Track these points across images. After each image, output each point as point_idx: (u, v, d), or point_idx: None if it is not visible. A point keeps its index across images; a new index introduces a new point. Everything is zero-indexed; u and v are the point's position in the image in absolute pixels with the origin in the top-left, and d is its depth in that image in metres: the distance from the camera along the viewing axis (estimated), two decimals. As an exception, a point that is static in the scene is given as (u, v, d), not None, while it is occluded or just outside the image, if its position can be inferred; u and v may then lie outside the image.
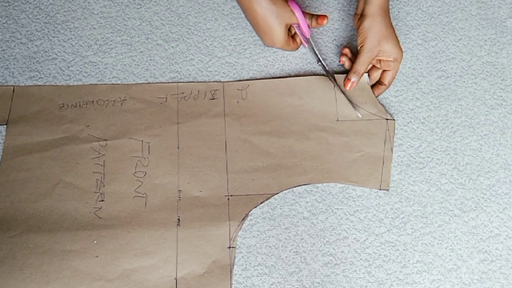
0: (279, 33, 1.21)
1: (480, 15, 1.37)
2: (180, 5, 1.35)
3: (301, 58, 1.30)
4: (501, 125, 1.24)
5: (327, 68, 1.26)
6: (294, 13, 1.21)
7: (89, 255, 1.08)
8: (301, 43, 1.28)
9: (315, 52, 1.26)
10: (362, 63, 1.20)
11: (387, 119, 1.22)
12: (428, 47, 1.33)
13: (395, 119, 1.23)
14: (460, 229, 1.14)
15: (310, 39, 1.26)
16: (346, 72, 1.25)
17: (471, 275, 1.10)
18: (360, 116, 1.22)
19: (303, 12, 1.23)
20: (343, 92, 1.23)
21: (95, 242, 1.09)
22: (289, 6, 1.21)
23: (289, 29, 1.27)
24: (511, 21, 1.36)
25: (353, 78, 1.21)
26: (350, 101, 1.23)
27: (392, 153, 1.20)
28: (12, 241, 1.09)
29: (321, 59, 1.26)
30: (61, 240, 1.09)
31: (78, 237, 1.09)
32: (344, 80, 1.23)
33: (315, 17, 1.25)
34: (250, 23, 1.25)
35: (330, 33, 1.34)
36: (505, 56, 1.32)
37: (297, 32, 1.25)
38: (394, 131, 1.22)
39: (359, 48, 1.21)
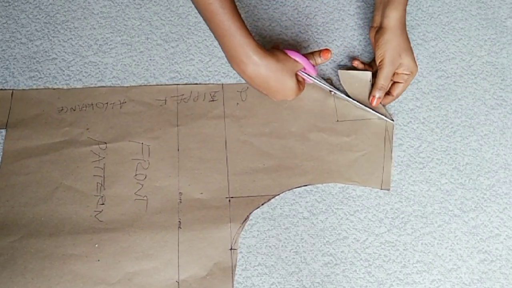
0: (291, 86, 1.15)
1: (480, 15, 1.37)
2: (180, 5, 1.35)
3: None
4: (501, 125, 1.24)
5: (342, 94, 1.24)
6: (296, 61, 1.16)
7: (91, 259, 1.08)
8: (304, 80, 1.23)
9: (324, 85, 1.23)
10: (386, 77, 1.20)
11: (385, 120, 1.22)
12: (428, 47, 1.33)
13: (395, 119, 1.23)
14: (460, 229, 1.14)
15: (318, 75, 1.23)
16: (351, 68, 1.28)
17: (471, 275, 1.10)
18: (393, 122, 1.24)
19: (304, 55, 1.19)
20: (367, 106, 1.23)
21: (96, 245, 1.09)
22: (288, 55, 1.16)
23: None
24: (511, 21, 1.36)
25: (378, 94, 1.20)
26: (380, 113, 1.23)
27: (392, 153, 1.20)
28: (13, 246, 1.08)
29: (332, 89, 1.24)
30: (62, 244, 1.09)
31: (79, 241, 1.09)
32: (369, 98, 1.22)
33: (317, 53, 1.21)
34: (258, 89, 1.15)
35: (330, 33, 1.34)
36: (505, 56, 1.32)
37: (300, 74, 1.20)
38: (392, 132, 1.22)
39: (378, 61, 1.20)
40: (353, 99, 1.23)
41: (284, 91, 1.15)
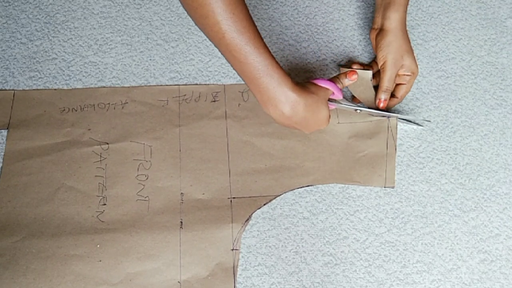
0: (326, 115, 1.11)
1: (480, 15, 1.37)
2: (180, 5, 1.35)
3: (301, 58, 1.30)
4: (501, 125, 1.24)
5: (366, 108, 1.23)
6: (326, 88, 1.12)
7: (92, 259, 1.08)
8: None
9: (349, 106, 1.21)
10: (390, 79, 1.20)
11: (388, 117, 1.22)
12: (428, 47, 1.33)
13: (395, 119, 1.23)
14: (460, 229, 1.14)
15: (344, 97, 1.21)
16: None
17: (471, 275, 1.10)
18: (422, 126, 1.24)
19: (331, 81, 1.15)
20: (379, 109, 1.23)
21: (98, 246, 1.09)
22: (317, 84, 1.12)
23: None
24: (511, 21, 1.37)
25: (384, 96, 1.20)
26: (411, 121, 1.24)
27: (396, 150, 1.20)
28: (15, 246, 1.08)
29: (357, 107, 1.22)
30: (64, 245, 1.09)
31: (81, 242, 1.09)
32: (376, 101, 1.22)
33: (343, 76, 1.17)
34: (294, 126, 1.10)
35: (330, 33, 1.34)
36: (505, 56, 1.32)
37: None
38: (396, 129, 1.22)
39: (381, 64, 1.21)
40: (374, 109, 1.23)
41: (321, 121, 1.11)
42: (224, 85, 1.27)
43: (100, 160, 1.17)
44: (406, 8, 1.21)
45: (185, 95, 1.25)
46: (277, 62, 1.02)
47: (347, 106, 1.21)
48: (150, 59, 1.29)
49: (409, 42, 1.21)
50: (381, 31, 1.21)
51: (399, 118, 1.22)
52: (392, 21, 1.19)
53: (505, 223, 1.15)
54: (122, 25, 1.33)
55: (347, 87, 1.23)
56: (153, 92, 1.25)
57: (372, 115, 1.23)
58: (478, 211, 1.16)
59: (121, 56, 1.29)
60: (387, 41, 1.19)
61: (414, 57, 1.20)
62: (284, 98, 1.03)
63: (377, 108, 1.22)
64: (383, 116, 1.23)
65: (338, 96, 1.16)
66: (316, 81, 1.12)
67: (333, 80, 1.16)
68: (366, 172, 1.19)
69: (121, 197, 1.14)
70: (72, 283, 1.06)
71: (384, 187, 1.18)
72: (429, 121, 1.24)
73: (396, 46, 1.19)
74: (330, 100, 1.16)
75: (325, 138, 1.21)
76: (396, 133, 1.22)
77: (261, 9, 1.36)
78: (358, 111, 1.22)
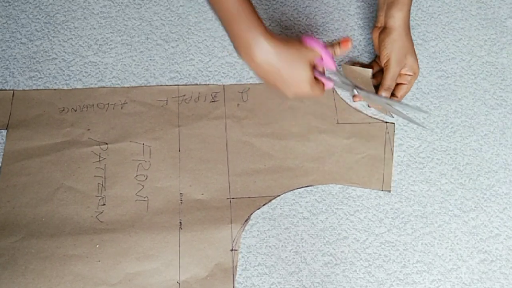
0: (305, 77, 1.05)
1: (480, 15, 1.37)
2: (180, 5, 1.35)
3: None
4: (501, 125, 1.24)
5: (364, 92, 1.17)
6: (313, 49, 1.06)
7: (91, 259, 1.08)
8: (324, 85, 1.13)
9: (347, 83, 1.16)
10: (392, 78, 1.19)
11: (386, 122, 1.22)
12: (428, 47, 1.33)
13: (396, 119, 1.23)
14: (460, 229, 1.14)
15: (338, 71, 1.14)
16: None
17: (471, 275, 1.10)
18: (425, 127, 1.24)
19: (323, 44, 1.09)
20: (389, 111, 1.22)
21: (97, 246, 1.09)
22: (304, 42, 1.06)
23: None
24: (511, 21, 1.37)
25: (385, 94, 1.20)
26: (415, 122, 1.22)
27: (393, 155, 1.20)
28: (14, 246, 1.08)
29: (356, 89, 1.15)
30: (63, 245, 1.09)
31: (80, 242, 1.09)
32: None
33: (337, 44, 1.13)
34: (268, 80, 1.06)
35: (330, 33, 1.34)
36: (505, 56, 1.32)
37: (319, 77, 1.10)
38: (393, 134, 1.22)
39: (384, 62, 1.20)
40: (373, 94, 1.19)
41: (299, 82, 1.05)
42: (224, 85, 1.26)
43: (99, 160, 1.17)
44: (410, 7, 1.20)
45: (184, 95, 1.24)
46: (252, 9, 1.00)
47: (345, 84, 1.16)
48: (150, 59, 1.29)
49: (412, 42, 1.20)
50: (384, 29, 1.21)
51: (401, 105, 1.18)
52: (396, 19, 1.19)
53: (505, 223, 1.15)
54: (122, 25, 1.33)
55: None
56: (152, 92, 1.25)
57: (371, 117, 1.23)
58: (478, 211, 1.16)
59: (121, 56, 1.29)
60: (391, 39, 1.19)
61: (416, 58, 1.20)
62: (254, 42, 1.01)
63: (377, 94, 1.20)
64: (382, 112, 1.23)
65: (328, 62, 1.09)
66: (306, 38, 1.07)
67: (326, 45, 1.09)
68: (364, 174, 1.19)
69: (120, 198, 1.14)
70: (71, 283, 1.06)
71: (381, 190, 1.17)
72: (424, 127, 1.24)
73: (400, 45, 1.18)
74: (328, 77, 1.11)
75: (324, 139, 1.21)
76: (394, 139, 1.22)
77: (261, 9, 1.36)
78: (356, 92, 1.16)
